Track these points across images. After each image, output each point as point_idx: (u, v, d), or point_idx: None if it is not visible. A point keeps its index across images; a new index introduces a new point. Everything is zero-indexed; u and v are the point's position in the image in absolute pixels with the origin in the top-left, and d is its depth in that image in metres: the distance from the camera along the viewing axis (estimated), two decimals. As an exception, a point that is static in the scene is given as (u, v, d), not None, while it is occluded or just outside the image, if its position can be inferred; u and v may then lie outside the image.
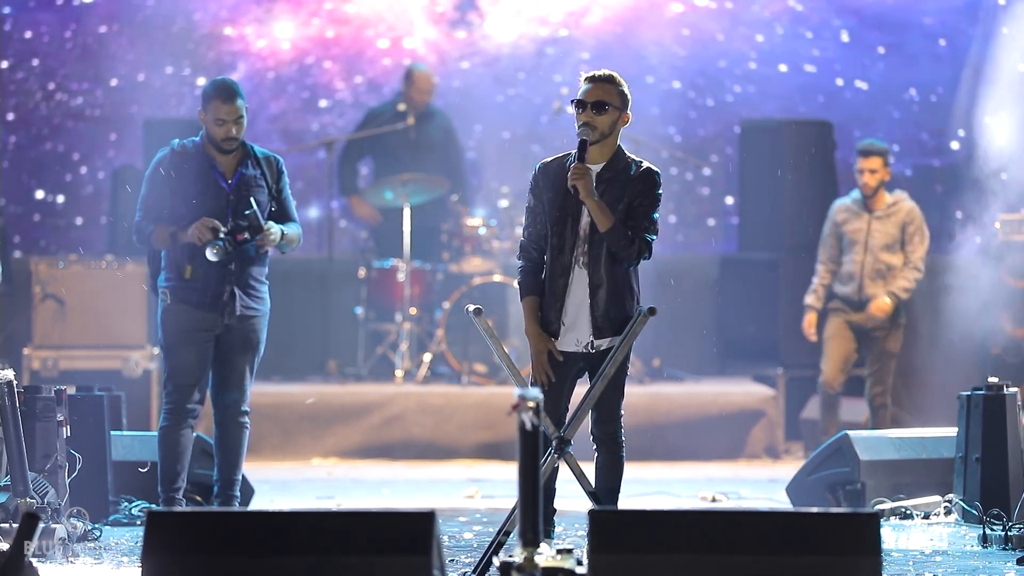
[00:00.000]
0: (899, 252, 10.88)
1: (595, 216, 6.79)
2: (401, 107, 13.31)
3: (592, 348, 6.88)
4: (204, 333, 8.05)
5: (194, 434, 8.22)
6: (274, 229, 8.05)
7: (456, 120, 13.70)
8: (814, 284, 11.09)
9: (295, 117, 14.78)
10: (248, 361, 8.13)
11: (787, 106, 14.61)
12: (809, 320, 11.10)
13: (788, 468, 10.99)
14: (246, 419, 8.18)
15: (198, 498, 8.64)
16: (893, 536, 8.09)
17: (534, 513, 5.23)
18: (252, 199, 8.02)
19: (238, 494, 8.17)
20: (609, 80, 6.88)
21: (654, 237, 6.87)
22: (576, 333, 6.88)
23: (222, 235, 7.95)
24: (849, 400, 12.12)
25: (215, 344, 8.09)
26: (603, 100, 6.84)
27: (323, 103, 14.78)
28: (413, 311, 12.73)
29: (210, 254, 7.93)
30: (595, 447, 6.98)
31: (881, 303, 10.81)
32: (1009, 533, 7.76)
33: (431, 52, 14.69)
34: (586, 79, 6.91)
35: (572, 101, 6.90)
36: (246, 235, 7.98)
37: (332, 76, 14.78)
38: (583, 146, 6.81)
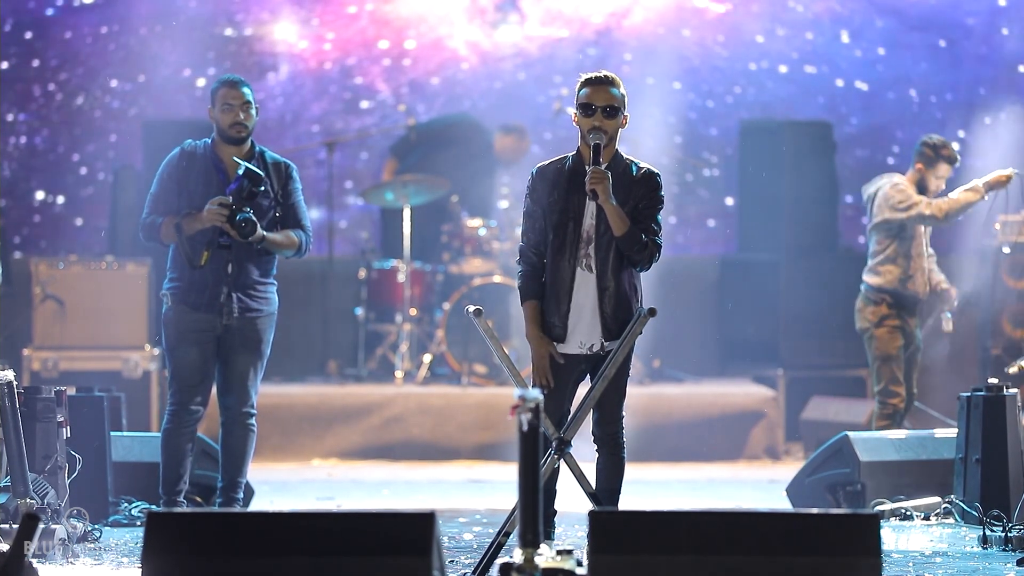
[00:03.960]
0: None
1: (612, 220, 6.76)
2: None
3: (603, 351, 6.87)
4: (204, 334, 8.06)
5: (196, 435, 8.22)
6: (257, 233, 8.00)
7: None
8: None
9: (338, 118, 14.75)
10: (250, 362, 8.12)
11: (787, 106, 14.61)
12: None
13: (788, 469, 10.99)
14: (251, 421, 8.16)
15: (198, 499, 8.64)
16: (893, 537, 8.09)
17: (534, 514, 5.23)
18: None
19: (241, 496, 8.18)
20: (613, 82, 6.84)
21: (661, 240, 6.87)
22: (580, 335, 6.86)
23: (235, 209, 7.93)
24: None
25: (217, 345, 8.10)
26: (613, 103, 6.81)
27: (365, 104, 14.76)
28: (413, 312, 12.73)
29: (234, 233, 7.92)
30: (596, 448, 6.97)
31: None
32: (1009, 534, 7.75)
33: (472, 53, 14.66)
34: (590, 81, 6.84)
35: (579, 104, 6.82)
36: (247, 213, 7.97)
37: (374, 78, 14.75)
38: (598, 150, 6.75)
